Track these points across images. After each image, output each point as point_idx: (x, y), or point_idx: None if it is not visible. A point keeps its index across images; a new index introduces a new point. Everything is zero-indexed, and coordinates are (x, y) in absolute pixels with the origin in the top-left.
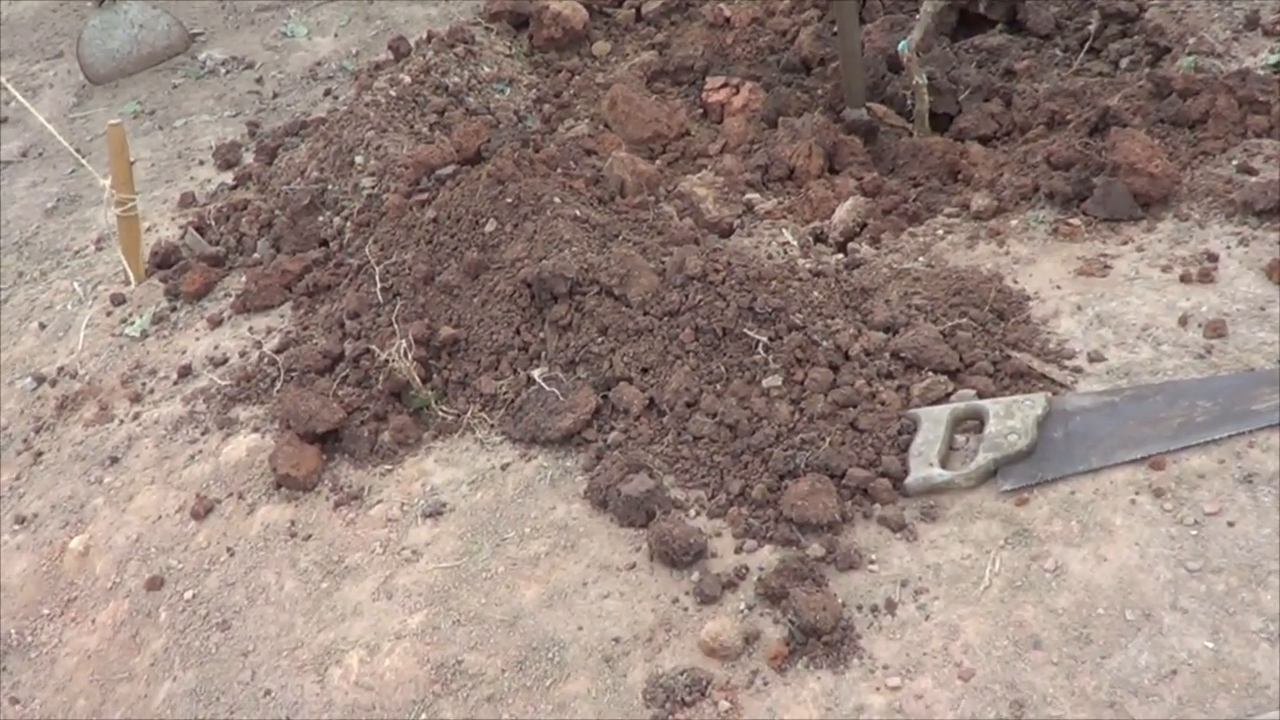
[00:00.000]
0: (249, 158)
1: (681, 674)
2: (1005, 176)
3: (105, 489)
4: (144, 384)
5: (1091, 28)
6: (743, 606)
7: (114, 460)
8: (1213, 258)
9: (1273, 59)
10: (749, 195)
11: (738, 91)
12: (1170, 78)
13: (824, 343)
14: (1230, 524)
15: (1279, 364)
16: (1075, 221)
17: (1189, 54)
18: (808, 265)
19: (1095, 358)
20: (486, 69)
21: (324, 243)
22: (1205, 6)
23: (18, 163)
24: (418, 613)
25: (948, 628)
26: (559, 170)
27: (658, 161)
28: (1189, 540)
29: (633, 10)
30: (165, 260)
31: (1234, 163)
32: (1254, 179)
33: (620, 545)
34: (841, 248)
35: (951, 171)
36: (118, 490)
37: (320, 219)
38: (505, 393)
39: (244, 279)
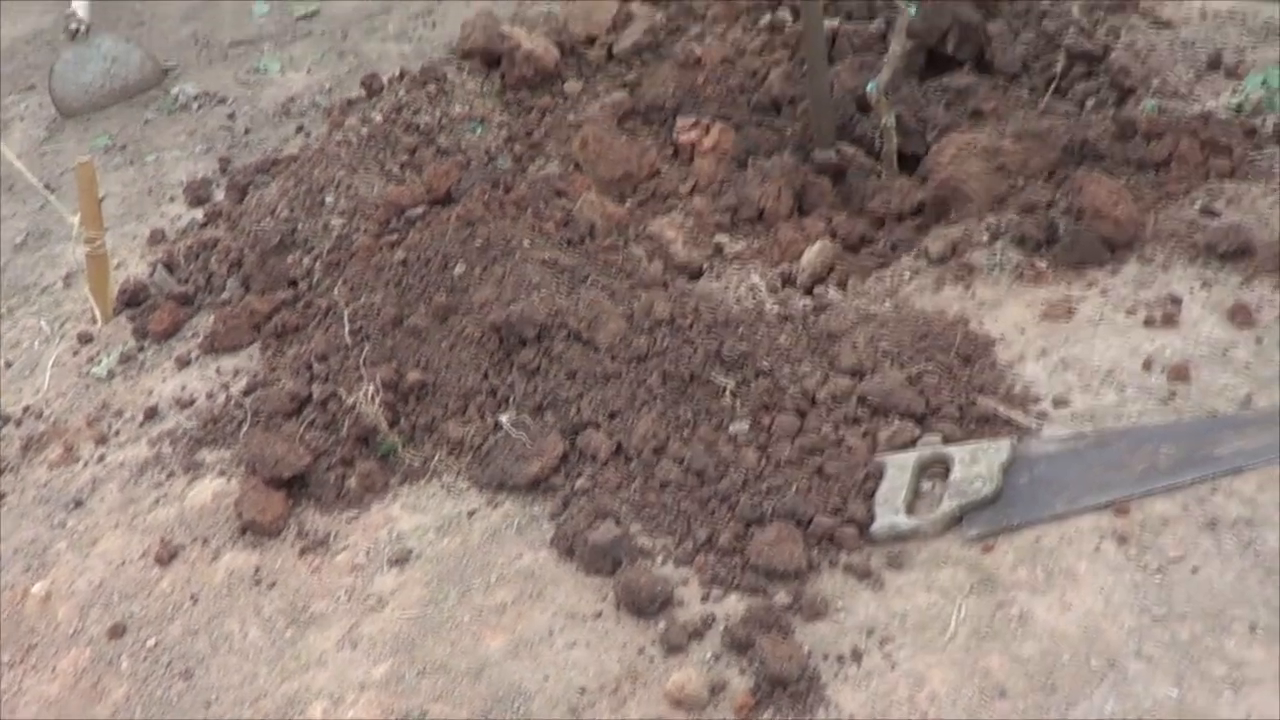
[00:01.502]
0: (220, 194)
1: None
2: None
3: (69, 533)
4: (110, 425)
5: (1058, 68)
6: (709, 656)
7: (78, 503)
8: (1176, 301)
9: (1234, 101)
10: (718, 237)
11: (708, 131)
12: (1134, 120)
13: (791, 388)
14: (1194, 570)
15: (1241, 408)
16: (1041, 264)
17: (1152, 95)
18: (775, 309)
19: (1060, 402)
20: (458, 108)
21: (293, 283)
22: (1169, 48)
23: None
24: (382, 662)
25: (914, 677)
26: (529, 211)
27: (629, 202)
28: (1153, 587)
29: (604, 49)
30: (134, 298)
31: (1197, 205)
32: (1216, 222)
33: (587, 594)
34: (809, 291)
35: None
36: (81, 534)
37: (290, 258)
38: (473, 438)
39: (212, 319)
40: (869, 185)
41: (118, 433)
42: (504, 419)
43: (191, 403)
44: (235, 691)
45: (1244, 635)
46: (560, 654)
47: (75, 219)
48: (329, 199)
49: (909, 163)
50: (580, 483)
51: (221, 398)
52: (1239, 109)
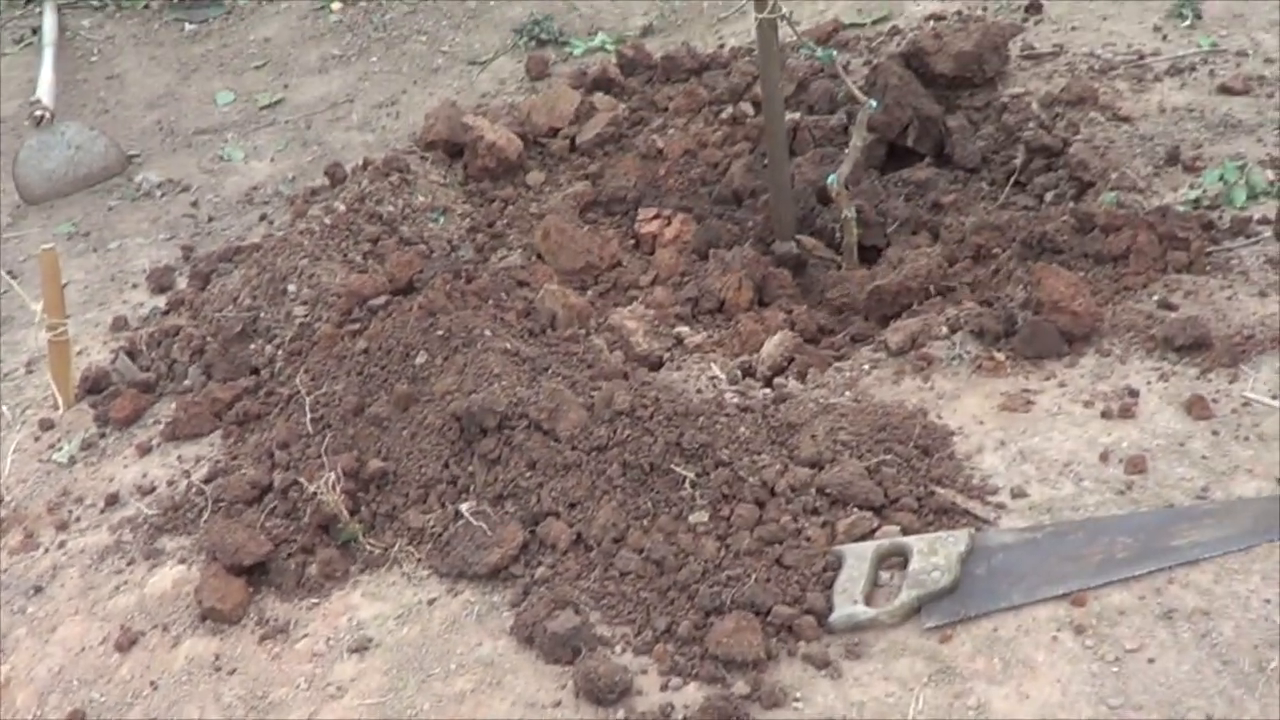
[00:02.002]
0: (182, 282)
1: None
2: (931, 311)
3: (28, 619)
4: (71, 512)
5: (1017, 162)
6: None
7: (38, 590)
8: (1133, 393)
9: (1192, 195)
10: (679, 328)
11: (669, 223)
12: (1093, 213)
13: (750, 479)
14: (1150, 661)
15: (1197, 500)
16: (999, 356)
17: (1111, 189)
18: (735, 400)
19: (1018, 493)
20: (421, 198)
21: (255, 371)
22: (1127, 142)
23: None
24: None
25: None
26: (490, 302)
27: (590, 293)
28: (1110, 677)
29: (567, 141)
30: (95, 385)
31: (1154, 298)
32: (1174, 314)
33: (546, 683)
34: (769, 382)
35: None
36: (41, 621)
37: (252, 347)
38: (433, 526)
39: (174, 406)
40: (829, 277)
41: (78, 519)
42: (464, 508)
43: (152, 490)
44: None
45: None
46: None
47: (38, 306)
48: (291, 288)
49: (869, 255)
50: (540, 572)
51: (183, 485)
52: (1197, 203)
